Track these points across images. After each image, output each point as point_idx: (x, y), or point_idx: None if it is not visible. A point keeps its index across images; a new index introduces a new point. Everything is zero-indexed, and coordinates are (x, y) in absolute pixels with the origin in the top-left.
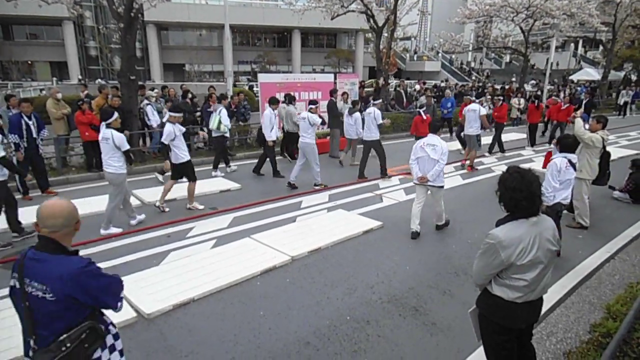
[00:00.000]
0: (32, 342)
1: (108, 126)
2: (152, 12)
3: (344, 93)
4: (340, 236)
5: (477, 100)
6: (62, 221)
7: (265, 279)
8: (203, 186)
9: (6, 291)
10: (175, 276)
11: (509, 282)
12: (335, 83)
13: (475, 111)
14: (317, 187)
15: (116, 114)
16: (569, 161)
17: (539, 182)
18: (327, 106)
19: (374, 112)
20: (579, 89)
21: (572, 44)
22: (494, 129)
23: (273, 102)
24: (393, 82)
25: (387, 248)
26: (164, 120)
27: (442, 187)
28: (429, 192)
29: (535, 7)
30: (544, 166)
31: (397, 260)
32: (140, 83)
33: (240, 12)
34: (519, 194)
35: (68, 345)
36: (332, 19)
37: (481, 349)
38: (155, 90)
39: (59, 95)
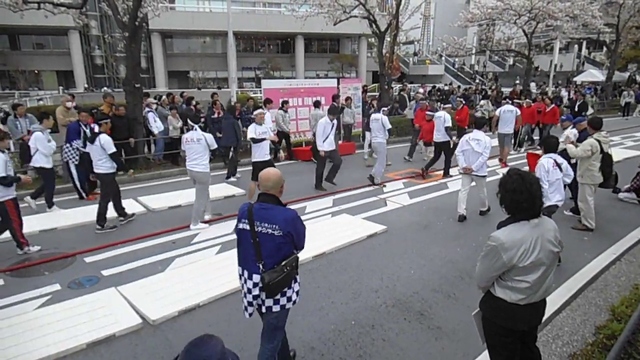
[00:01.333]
0: (260, 266)
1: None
2: (156, 21)
3: (347, 98)
4: (345, 241)
5: (513, 102)
6: (271, 184)
7: None
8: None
9: (12, 299)
10: (180, 282)
11: (512, 284)
12: (338, 88)
13: (512, 112)
14: (376, 185)
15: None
16: (555, 161)
17: (540, 183)
18: (327, 110)
19: (443, 115)
20: (582, 90)
21: (576, 46)
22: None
23: (333, 111)
24: (396, 86)
25: (392, 252)
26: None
27: (485, 176)
28: (472, 182)
29: (537, 9)
30: (530, 168)
31: (402, 264)
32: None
33: (244, 19)
34: (520, 196)
35: (288, 268)
36: (334, 24)
37: (486, 353)
38: (163, 98)
39: (69, 104)
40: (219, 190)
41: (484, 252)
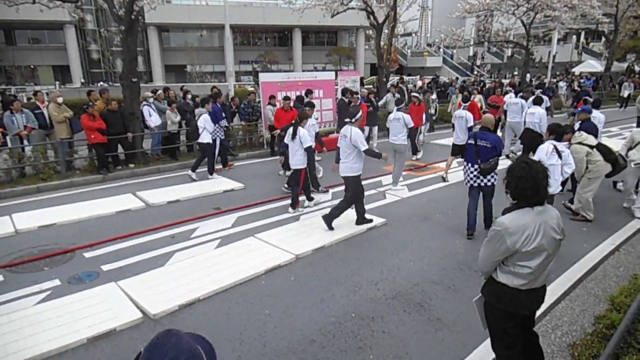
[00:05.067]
0: (479, 161)
1: (399, 110)
2: (152, 14)
3: (347, 91)
4: (344, 234)
5: (520, 95)
6: (487, 121)
7: (270, 277)
8: (206, 186)
9: (12, 295)
10: (180, 276)
11: (514, 270)
12: (336, 81)
13: (517, 104)
14: None
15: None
16: (555, 147)
17: (546, 173)
18: (337, 106)
19: (402, 116)
20: (582, 80)
21: (574, 36)
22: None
23: (538, 101)
24: (394, 78)
25: (391, 245)
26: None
27: None
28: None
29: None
30: None
31: (401, 256)
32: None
33: (241, 12)
34: (525, 183)
35: (492, 162)
36: (332, 16)
37: (486, 344)
38: (159, 92)
39: (60, 100)
40: (218, 184)
41: (489, 236)
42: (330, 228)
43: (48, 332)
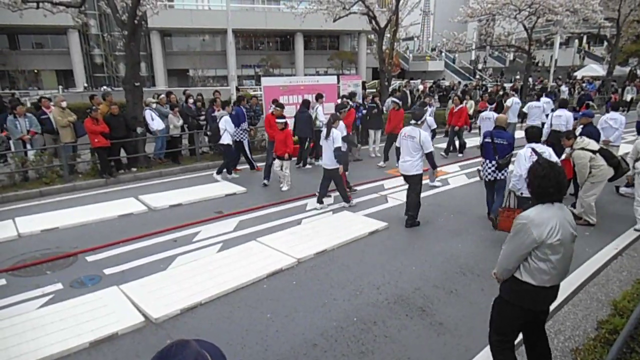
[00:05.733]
0: (497, 157)
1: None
2: (155, 19)
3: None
4: (346, 238)
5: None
6: (501, 122)
7: (271, 281)
8: (208, 190)
9: (14, 299)
10: (182, 280)
11: (538, 265)
12: (338, 86)
13: (539, 107)
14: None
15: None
16: (533, 150)
17: (565, 174)
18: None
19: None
20: (584, 85)
21: (576, 40)
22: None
23: (563, 104)
24: (397, 82)
25: (393, 249)
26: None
27: (618, 146)
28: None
29: (537, 4)
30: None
31: (403, 260)
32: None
33: (243, 17)
34: (548, 182)
35: (508, 157)
36: (334, 21)
37: (488, 348)
38: (162, 96)
39: (64, 104)
40: (220, 188)
41: (513, 231)
42: (416, 223)
43: (50, 336)
